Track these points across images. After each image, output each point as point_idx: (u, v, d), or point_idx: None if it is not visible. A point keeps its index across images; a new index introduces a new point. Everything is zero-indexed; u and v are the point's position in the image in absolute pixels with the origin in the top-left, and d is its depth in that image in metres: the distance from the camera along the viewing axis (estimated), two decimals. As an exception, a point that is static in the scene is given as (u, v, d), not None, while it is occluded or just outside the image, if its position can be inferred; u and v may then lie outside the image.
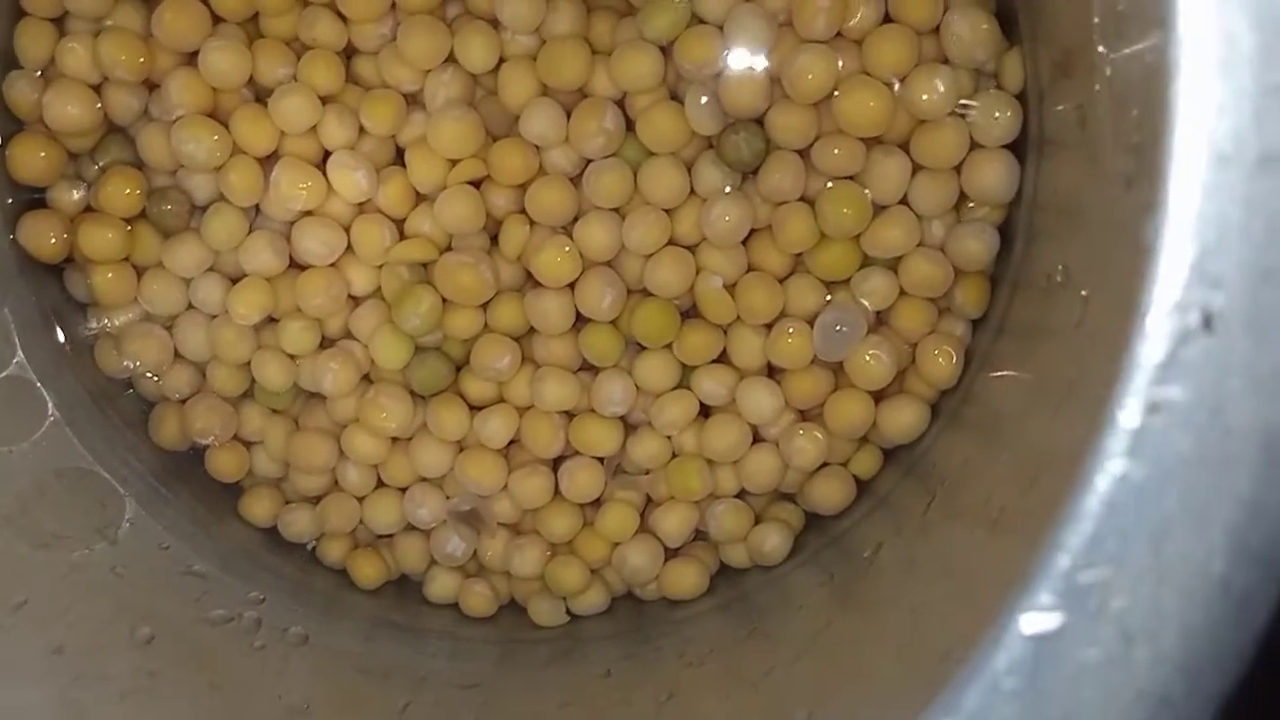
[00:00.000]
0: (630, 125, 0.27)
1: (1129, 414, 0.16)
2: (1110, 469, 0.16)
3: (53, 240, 0.28)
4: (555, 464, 0.29)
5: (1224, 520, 0.16)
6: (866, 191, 0.27)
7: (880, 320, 0.28)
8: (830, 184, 0.27)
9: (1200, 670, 0.17)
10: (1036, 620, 0.17)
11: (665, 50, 0.27)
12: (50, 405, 0.27)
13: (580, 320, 0.28)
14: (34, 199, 0.28)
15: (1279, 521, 0.16)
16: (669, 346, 0.28)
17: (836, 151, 0.26)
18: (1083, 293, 0.21)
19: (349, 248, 0.28)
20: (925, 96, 0.26)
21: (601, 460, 0.29)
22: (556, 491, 0.29)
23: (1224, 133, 0.16)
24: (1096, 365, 0.18)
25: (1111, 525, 0.16)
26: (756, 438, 0.28)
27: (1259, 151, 0.16)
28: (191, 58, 0.27)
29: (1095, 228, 0.21)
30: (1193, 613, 0.16)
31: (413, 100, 0.28)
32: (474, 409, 0.29)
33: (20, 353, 0.27)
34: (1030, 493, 0.19)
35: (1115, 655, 0.16)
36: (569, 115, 0.27)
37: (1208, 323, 0.16)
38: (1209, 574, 0.16)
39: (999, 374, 0.26)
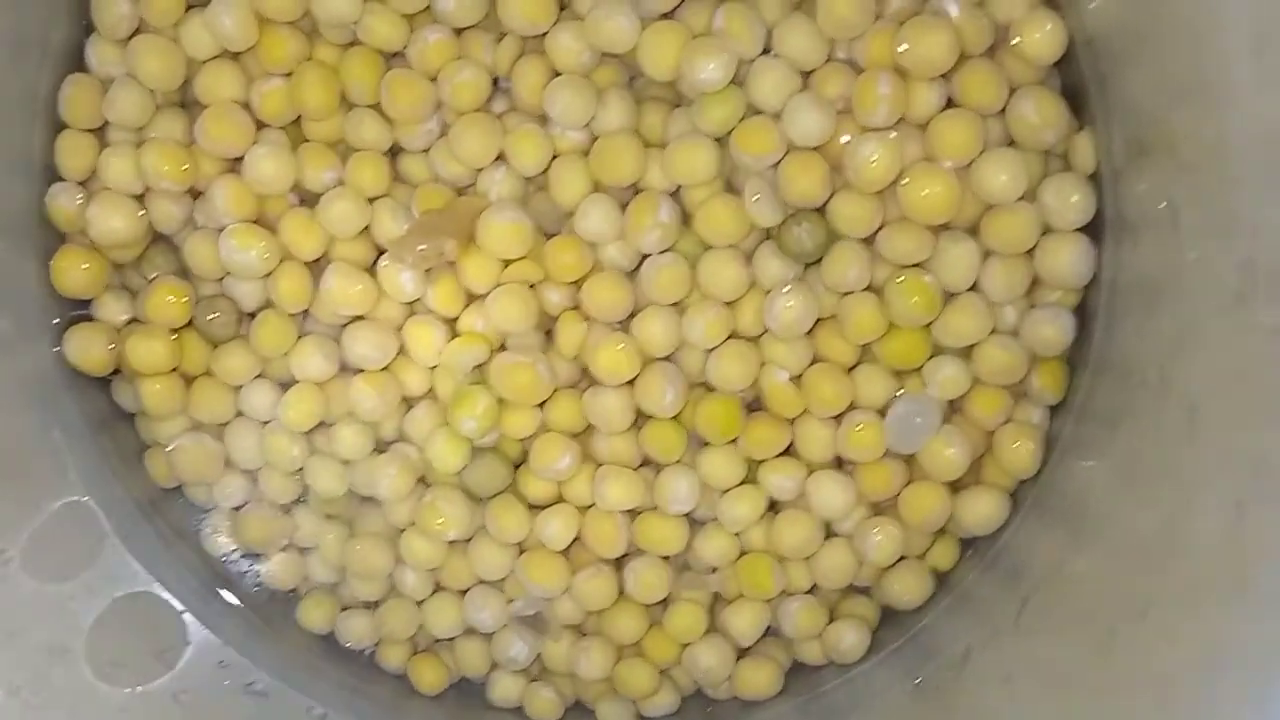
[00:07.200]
0: (686, 218, 0.26)
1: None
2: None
3: (99, 353, 0.27)
4: (619, 563, 0.28)
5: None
6: (935, 278, 0.26)
7: (954, 408, 0.27)
8: (897, 272, 0.26)
9: None
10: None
11: (719, 141, 0.26)
12: (106, 524, 0.27)
13: (641, 416, 0.27)
14: (79, 312, 0.28)
15: None
16: (734, 441, 0.27)
17: (903, 239, 0.25)
18: (1187, 400, 0.20)
19: (402, 350, 0.27)
20: (992, 182, 0.25)
21: (667, 559, 0.28)
22: (622, 592, 0.28)
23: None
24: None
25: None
26: (828, 532, 0.27)
27: None
28: (236, 164, 0.27)
29: (1192, 328, 0.20)
30: None
31: (464, 195, 0.27)
32: (534, 509, 0.28)
33: (73, 474, 0.26)
34: (1144, 623, 0.18)
35: None
36: (623, 210, 0.26)
37: None
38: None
39: (1083, 462, 0.25)
